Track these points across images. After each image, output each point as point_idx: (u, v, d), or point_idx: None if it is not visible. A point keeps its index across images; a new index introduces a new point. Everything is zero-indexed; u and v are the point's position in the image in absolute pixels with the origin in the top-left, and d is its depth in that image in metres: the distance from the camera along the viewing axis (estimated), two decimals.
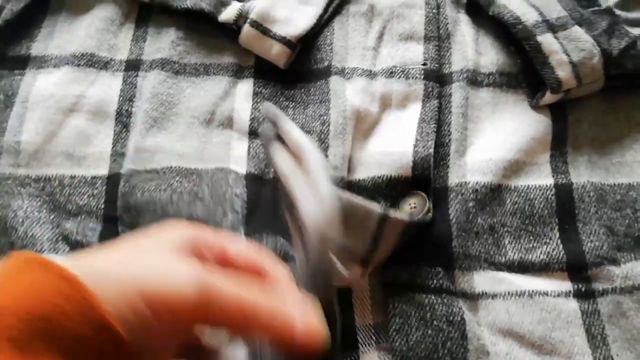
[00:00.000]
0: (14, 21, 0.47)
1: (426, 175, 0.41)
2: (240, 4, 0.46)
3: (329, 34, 0.48)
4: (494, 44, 0.46)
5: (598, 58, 0.40)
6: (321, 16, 0.48)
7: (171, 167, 0.41)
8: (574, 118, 0.43)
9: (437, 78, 0.44)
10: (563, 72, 0.40)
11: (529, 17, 0.41)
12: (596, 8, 0.43)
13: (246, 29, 0.45)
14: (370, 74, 0.46)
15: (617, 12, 0.43)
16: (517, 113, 0.43)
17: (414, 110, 0.43)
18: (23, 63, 0.47)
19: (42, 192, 0.42)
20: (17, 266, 0.22)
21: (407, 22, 0.47)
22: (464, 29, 0.46)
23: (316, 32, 0.47)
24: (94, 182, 0.42)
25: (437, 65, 0.45)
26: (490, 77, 0.44)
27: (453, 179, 0.41)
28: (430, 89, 0.44)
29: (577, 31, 0.41)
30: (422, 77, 0.44)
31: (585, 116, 0.43)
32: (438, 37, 0.46)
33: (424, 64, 0.45)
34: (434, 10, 0.47)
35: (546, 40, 0.40)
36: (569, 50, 0.40)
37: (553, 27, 0.41)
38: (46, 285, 0.21)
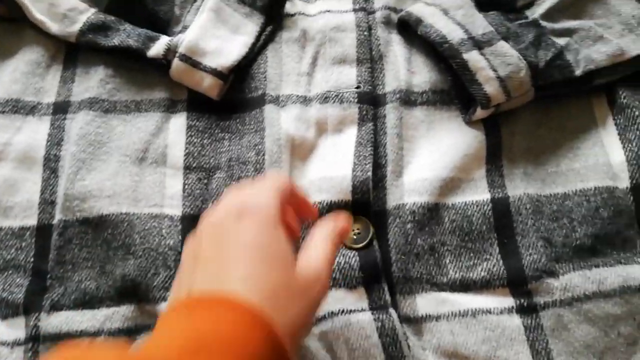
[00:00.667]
0: None
1: (366, 199, 0.40)
2: (169, 38, 0.46)
3: (262, 62, 0.47)
4: (426, 62, 0.46)
5: (525, 71, 0.40)
6: (253, 45, 0.48)
7: (102, 215, 0.40)
8: (508, 131, 0.43)
9: (371, 100, 0.44)
10: (491, 88, 0.40)
11: (455, 35, 0.42)
12: (523, 21, 0.43)
13: (176, 63, 0.45)
14: (305, 100, 0.46)
15: (543, 23, 0.43)
16: (452, 129, 0.43)
17: (350, 134, 0.43)
18: None
19: None
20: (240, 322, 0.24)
21: (339, 45, 0.47)
22: (396, 49, 0.47)
23: (249, 61, 0.47)
24: (22, 233, 0.40)
25: (370, 87, 0.45)
26: (424, 95, 0.44)
27: (391, 202, 0.41)
28: (364, 112, 0.44)
29: (503, 46, 0.41)
30: (356, 100, 0.44)
31: (519, 128, 0.43)
32: (370, 59, 0.46)
33: (358, 87, 0.45)
34: (365, 33, 0.47)
35: (472, 57, 0.41)
36: (495, 65, 0.40)
37: (479, 44, 0.41)
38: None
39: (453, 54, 0.41)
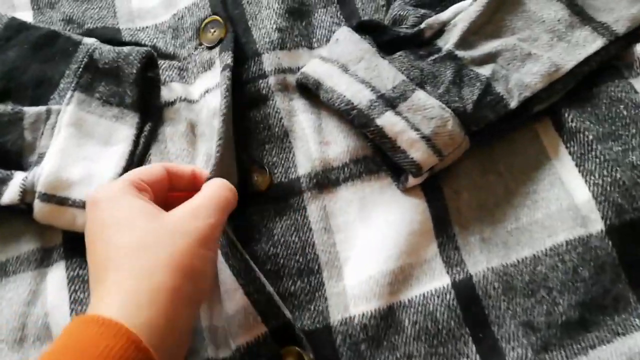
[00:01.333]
0: None
1: (282, 323, 0.32)
2: (23, 175, 0.37)
3: None
4: (340, 126, 0.38)
5: (452, 121, 0.33)
6: (132, 153, 0.39)
7: None
8: (451, 190, 0.35)
9: (283, 193, 0.37)
10: (418, 152, 0.33)
11: (361, 97, 0.34)
12: (436, 56, 0.36)
13: (38, 205, 0.36)
14: None
15: (460, 53, 0.36)
16: (387, 203, 0.36)
17: None
18: None
19: None
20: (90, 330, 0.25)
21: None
22: (301, 119, 0.38)
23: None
24: None
25: (282, 177, 0.37)
26: (345, 169, 0.37)
27: (335, 315, 0.33)
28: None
29: (420, 97, 0.34)
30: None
31: (463, 183, 0.36)
32: (276, 138, 0.38)
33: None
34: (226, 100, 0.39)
35: (387, 121, 0.33)
36: (416, 123, 0.33)
37: (391, 102, 0.33)
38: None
39: (364, 121, 0.33)
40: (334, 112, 0.38)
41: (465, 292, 0.33)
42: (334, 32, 0.42)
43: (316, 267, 0.34)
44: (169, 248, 0.28)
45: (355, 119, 0.34)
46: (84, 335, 0.25)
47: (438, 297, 0.33)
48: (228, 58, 0.39)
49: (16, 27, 0.43)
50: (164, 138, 0.40)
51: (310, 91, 0.39)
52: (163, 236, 0.29)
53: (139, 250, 0.28)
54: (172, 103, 0.41)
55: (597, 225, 0.33)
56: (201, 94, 0.41)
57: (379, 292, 0.33)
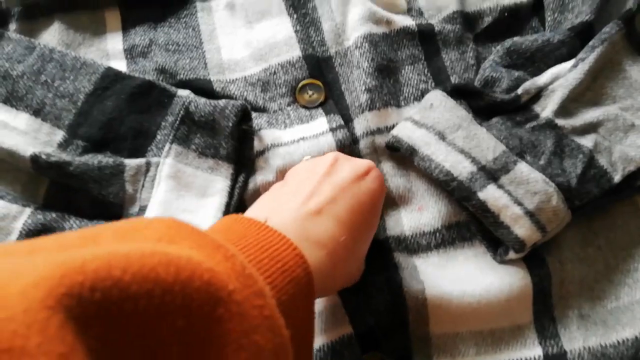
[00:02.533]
0: None
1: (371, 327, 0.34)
2: None
3: None
4: (429, 189, 0.38)
5: (556, 197, 0.33)
6: (228, 204, 0.40)
7: None
8: (555, 260, 0.35)
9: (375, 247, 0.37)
10: (522, 229, 0.33)
11: (461, 169, 0.34)
12: (534, 123, 0.36)
13: None
14: None
15: (560, 122, 0.36)
16: (482, 269, 0.36)
17: None
18: None
19: None
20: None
21: None
22: (391, 186, 0.39)
23: None
24: None
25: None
26: (437, 235, 0.37)
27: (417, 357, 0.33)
28: None
29: (522, 170, 0.34)
30: None
31: (566, 255, 0.35)
32: None
33: None
34: (346, 142, 0.40)
35: (490, 195, 0.33)
36: (519, 197, 0.33)
37: (493, 174, 0.34)
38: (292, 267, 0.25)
39: (465, 194, 0.34)
40: (423, 174, 0.39)
41: None
42: (421, 90, 0.43)
43: (403, 309, 0.35)
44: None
45: (455, 191, 0.34)
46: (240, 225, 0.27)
47: None
48: (338, 120, 0.41)
49: (112, 77, 0.44)
50: (256, 187, 0.41)
51: (398, 150, 0.39)
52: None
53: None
54: (262, 152, 0.43)
55: None
56: (295, 139, 0.42)
57: (464, 351, 0.33)
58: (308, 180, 0.32)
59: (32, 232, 0.38)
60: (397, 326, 0.35)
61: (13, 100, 0.43)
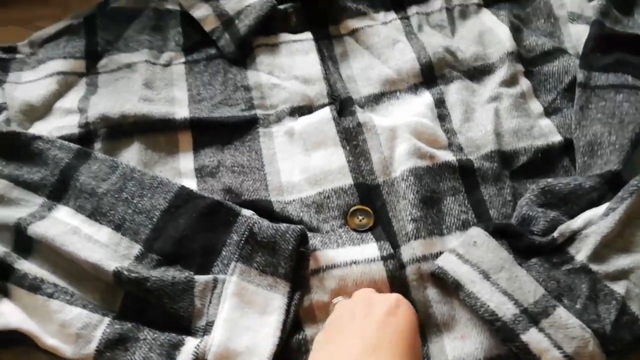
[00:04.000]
0: None
1: None
2: (195, 343, 0.42)
3: (301, 337, 0.44)
4: (472, 319, 0.42)
5: (592, 342, 0.36)
6: (284, 322, 0.44)
7: None
8: None
9: None
10: None
11: (505, 310, 0.38)
12: (570, 266, 0.40)
13: None
14: None
15: (594, 267, 0.40)
16: None
17: None
18: None
19: None
20: None
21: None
22: (436, 312, 0.43)
23: (284, 339, 0.43)
24: None
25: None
26: None
27: None
28: None
29: (562, 315, 0.38)
30: None
31: None
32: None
33: None
34: (401, 289, 0.44)
35: (532, 338, 0.37)
36: (558, 341, 0.37)
37: (535, 318, 0.38)
38: None
39: (509, 336, 0.37)
40: (465, 305, 0.42)
41: None
42: (462, 220, 0.47)
43: None
44: None
45: (500, 331, 0.38)
46: None
47: None
48: (388, 248, 0.45)
49: (185, 195, 0.49)
50: (311, 306, 0.45)
51: (442, 280, 0.43)
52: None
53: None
54: (317, 272, 0.46)
55: None
56: (346, 262, 0.46)
57: None
58: (352, 331, 0.36)
59: (110, 341, 0.42)
60: None
61: (97, 215, 0.48)
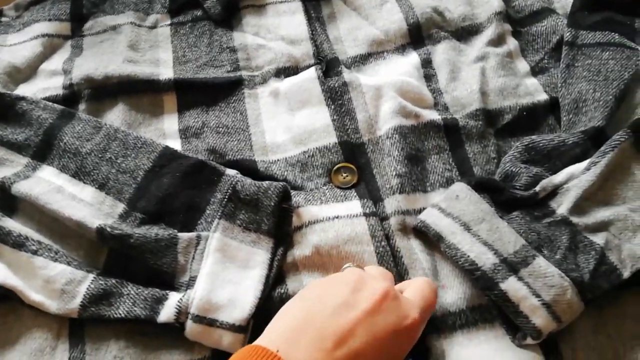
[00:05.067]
0: None
1: None
2: (178, 297, 0.42)
3: (283, 291, 0.44)
4: (454, 271, 0.42)
5: (570, 290, 0.37)
6: (267, 276, 0.44)
7: None
8: (568, 348, 0.39)
9: None
10: (539, 319, 0.36)
11: (485, 260, 0.38)
12: (551, 219, 0.40)
13: (190, 325, 0.41)
14: None
15: (574, 219, 0.40)
16: (502, 349, 0.39)
17: None
18: None
19: None
20: None
21: (358, 261, 0.44)
22: (420, 258, 0.43)
23: (266, 294, 0.43)
24: None
25: None
26: (462, 316, 0.40)
27: None
28: None
29: (541, 264, 0.38)
30: None
31: (579, 343, 0.39)
32: (394, 273, 0.43)
33: None
34: (382, 243, 0.44)
35: (511, 286, 0.37)
36: (537, 289, 0.37)
37: (514, 267, 0.38)
38: None
39: (488, 284, 0.38)
40: (447, 257, 0.43)
41: None
42: (446, 178, 0.48)
43: None
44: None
45: (479, 280, 0.38)
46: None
47: None
48: (371, 206, 0.45)
49: (169, 155, 0.49)
50: (294, 261, 0.45)
51: (424, 234, 0.44)
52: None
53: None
54: (300, 228, 0.46)
55: None
56: (330, 217, 0.46)
57: None
58: (329, 311, 0.33)
59: (94, 297, 0.43)
60: None
61: (81, 174, 0.48)
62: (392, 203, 0.46)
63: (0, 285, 0.43)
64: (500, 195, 0.42)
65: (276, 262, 0.45)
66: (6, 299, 0.45)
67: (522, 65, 0.54)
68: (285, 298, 0.44)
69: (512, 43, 0.55)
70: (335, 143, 0.50)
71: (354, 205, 0.47)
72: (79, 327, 0.44)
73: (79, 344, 0.44)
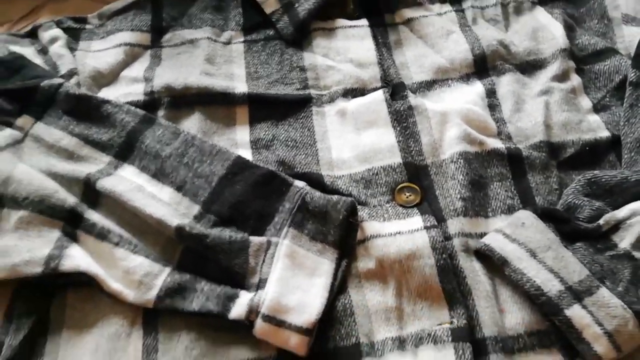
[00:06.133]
0: (15, 357, 0.45)
1: None
2: (249, 296, 0.45)
3: (347, 302, 0.46)
4: (513, 297, 0.44)
5: (632, 322, 0.38)
6: (332, 284, 0.46)
7: None
8: None
9: (466, 338, 0.42)
10: (601, 347, 0.38)
11: (551, 287, 0.40)
12: (614, 252, 0.42)
13: (259, 324, 0.43)
14: (400, 343, 0.44)
15: (636, 254, 0.41)
16: None
17: None
18: None
19: None
20: None
21: (420, 276, 0.46)
22: (483, 280, 0.45)
23: (331, 302, 0.46)
24: None
25: (464, 321, 0.43)
26: (520, 340, 0.42)
27: None
28: (461, 350, 0.41)
29: (604, 295, 0.39)
30: (450, 339, 0.42)
31: None
32: (458, 291, 0.44)
33: (451, 322, 0.43)
34: (443, 256, 0.46)
35: (576, 313, 0.39)
36: (600, 319, 0.39)
37: (578, 295, 0.39)
38: None
39: (554, 310, 0.40)
40: (507, 282, 0.45)
41: None
42: (507, 205, 0.50)
43: None
44: None
45: (544, 306, 0.40)
46: None
47: None
48: (432, 220, 0.47)
49: (242, 164, 0.52)
50: (358, 273, 0.48)
51: (485, 258, 0.45)
52: None
53: None
54: (363, 241, 0.49)
55: None
56: (392, 233, 0.48)
57: None
58: None
59: (170, 290, 0.45)
60: None
61: (160, 176, 0.51)
62: (455, 224, 0.48)
63: (84, 272, 0.46)
64: (565, 226, 0.44)
65: (340, 272, 0.47)
66: (87, 284, 0.48)
67: (585, 102, 0.56)
68: (348, 307, 0.46)
69: (575, 80, 0.57)
70: (400, 163, 0.52)
71: (415, 221, 0.49)
72: (153, 317, 0.47)
73: (152, 332, 0.46)
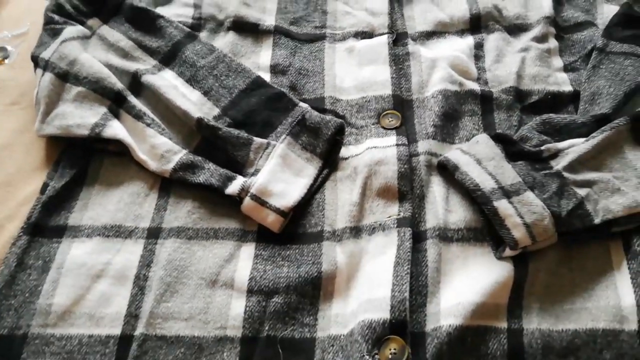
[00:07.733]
0: (56, 196, 0.57)
1: (403, 318, 0.45)
2: (243, 179, 0.55)
3: (321, 200, 0.56)
4: (461, 202, 0.53)
5: (548, 219, 0.46)
6: (311, 186, 0.56)
7: (178, 336, 0.48)
8: (534, 267, 0.48)
9: (410, 227, 0.51)
10: (518, 233, 0.46)
11: (487, 184, 0.49)
12: (547, 171, 0.50)
13: (247, 201, 0.53)
14: (357, 232, 0.53)
15: (566, 174, 0.49)
16: (483, 262, 0.49)
17: (390, 255, 0.49)
18: (60, 232, 0.55)
19: (62, 349, 0.48)
20: None
21: (382, 177, 0.55)
22: (435, 190, 0.54)
23: (307, 199, 0.55)
24: (107, 341, 0.48)
25: (409, 213, 0.52)
26: (459, 232, 0.51)
27: (429, 325, 0.46)
28: (403, 234, 0.50)
29: (529, 196, 0.48)
30: (396, 226, 0.51)
31: (543, 266, 0.48)
32: (412, 195, 0.53)
33: (398, 215, 0.52)
34: (405, 166, 0.55)
35: (502, 205, 0.47)
36: (522, 213, 0.47)
37: (508, 193, 0.48)
38: None
39: (485, 201, 0.48)
40: (459, 191, 0.53)
41: (514, 340, 0.45)
42: (472, 135, 0.58)
43: (424, 291, 0.48)
44: None
45: (478, 198, 0.49)
46: None
47: (494, 334, 0.45)
48: (404, 140, 0.57)
49: (260, 83, 0.63)
50: (336, 179, 0.57)
51: (445, 171, 0.54)
52: None
53: None
54: (346, 159, 0.59)
55: (632, 325, 0.45)
56: (368, 148, 0.58)
57: (463, 314, 0.45)
58: None
59: (184, 165, 0.56)
60: (419, 306, 0.48)
61: (192, 81, 0.62)
62: (424, 145, 0.57)
63: (120, 140, 0.58)
64: (512, 147, 0.52)
65: (320, 178, 0.57)
66: (120, 155, 0.59)
67: (557, 62, 0.64)
68: (321, 203, 0.56)
69: (552, 43, 0.65)
70: (389, 95, 0.62)
71: (390, 139, 0.58)
72: (168, 184, 0.58)
73: (165, 196, 0.57)
